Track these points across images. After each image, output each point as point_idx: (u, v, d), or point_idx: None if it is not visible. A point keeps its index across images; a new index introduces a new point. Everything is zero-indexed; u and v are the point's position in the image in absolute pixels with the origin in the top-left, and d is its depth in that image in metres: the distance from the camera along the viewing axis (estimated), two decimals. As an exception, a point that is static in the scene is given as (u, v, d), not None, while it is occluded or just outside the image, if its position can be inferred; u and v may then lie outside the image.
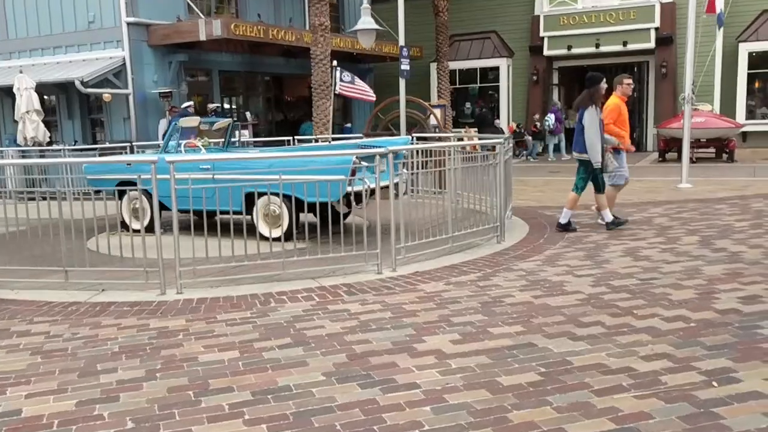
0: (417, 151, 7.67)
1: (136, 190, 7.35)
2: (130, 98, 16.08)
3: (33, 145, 15.09)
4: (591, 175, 8.28)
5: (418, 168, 8.26)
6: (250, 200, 7.87)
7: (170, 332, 4.84)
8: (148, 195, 8.36)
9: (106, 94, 15.70)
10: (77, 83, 15.00)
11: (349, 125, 21.52)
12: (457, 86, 24.48)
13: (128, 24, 15.79)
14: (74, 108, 17.13)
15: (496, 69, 24.10)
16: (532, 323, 4.77)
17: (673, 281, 5.82)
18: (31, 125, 15.02)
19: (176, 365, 4.18)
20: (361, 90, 10.74)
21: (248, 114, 16.80)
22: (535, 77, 23.27)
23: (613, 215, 8.49)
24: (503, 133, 22.91)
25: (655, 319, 4.77)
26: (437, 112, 21.96)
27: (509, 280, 6.06)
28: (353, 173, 7.49)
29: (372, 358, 4.17)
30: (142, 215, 6.47)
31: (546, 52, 22.80)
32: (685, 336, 4.41)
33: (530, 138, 22.22)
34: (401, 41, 12.04)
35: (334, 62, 10.19)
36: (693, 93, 13.45)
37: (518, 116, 23.79)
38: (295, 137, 12.69)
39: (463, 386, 3.71)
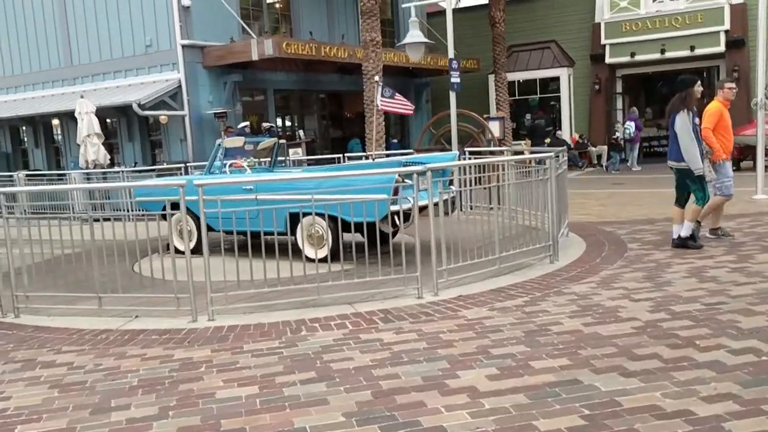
0: (461, 168, 7.30)
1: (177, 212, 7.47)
2: (186, 119, 16.27)
3: (94, 168, 15.42)
4: (702, 182, 7.59)
5: (467, 184, 7.95)
6: (292, 221, 7.68)
7: (193, 364, 4.61)
8: (195, 217, 8.38)
9: (163, 116, 15.93)
10: (134, 106, 15.27)
11: (395, 141, 21.26)
12: (517, 98, 23.93)
13: (183, 46, 16.02)
14: (134, 130, 17.49)
15: (557, 79, 23.41)
16: (580, 355, 4.32)
17: (743, 306, 5.25)
18: (92, 148, 15.37)
19: (191, 402, 3.94)
20: (401, 103, 10.45)
21: (301, 132, 16.77)
22: (597, 86, 22.50)
23: (693, 233, 7.78)
24: (565, 144, 22.26)
25: (721, 352, 4.26)
26: (495, 124, 21.56)
27: (559, 305, 5.61)
28: (396, 192, 7.21)
29: (398, 396, 3.83)
30: (173, 237, 6.29)
31: (608, 60, 22.02)
32: (755, 372, 3.89)
33: (597, 148, 21.48)
34: (450, 53, 11.72)
35: (376, 77, 9.96)
36: (766, 98, 12.60)
37: (580, 127, 23.05)
38: (345, 155, 12.52)
39: (494, 431, 3.33)
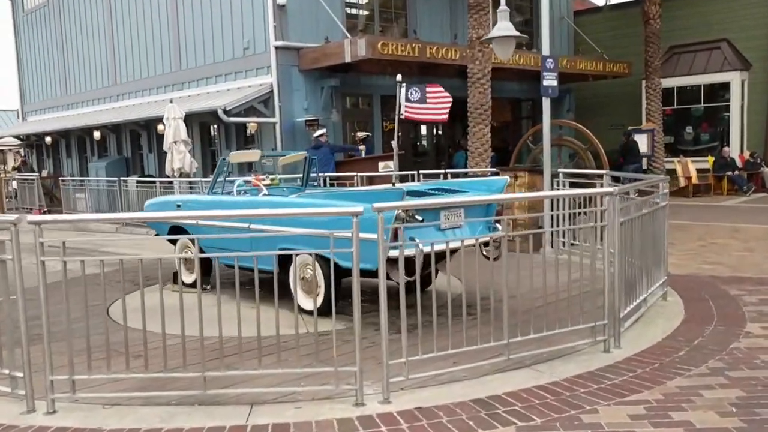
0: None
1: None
2: (277, 127, 15.05)
3: (180, 176, 14.68)
4: None
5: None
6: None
7: None
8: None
9: (252, 122, 14.83)
10: (219, 112, 14.29)
11: (492, 155, 18.67)
12: (676, 107, 20.42)
13: (277, 48, 14.81)
14: (231, 138, 16.63)
15: (726, 85, 19.63)
16: None
17: None
18: (177, 156, 14.60)
19: None
20: (434, 108, 8.20)
21: (393, 143, 14.93)
22: (778, 94, 18.54)
23: None
24: (734, 164, 18.51)
25: None
26: (642, 137, 18.47)
27: (551, 454, 3.34)
28: (395, 234, 5.23)
29: None
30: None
31: (794, 61, 18.03)
32: None
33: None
34: (545, 50, 9.37)
35: (398, 76, 7.89)
36: None
37: (754, 143, 19.11)
38: (419, 172, 10.57)
39: None
